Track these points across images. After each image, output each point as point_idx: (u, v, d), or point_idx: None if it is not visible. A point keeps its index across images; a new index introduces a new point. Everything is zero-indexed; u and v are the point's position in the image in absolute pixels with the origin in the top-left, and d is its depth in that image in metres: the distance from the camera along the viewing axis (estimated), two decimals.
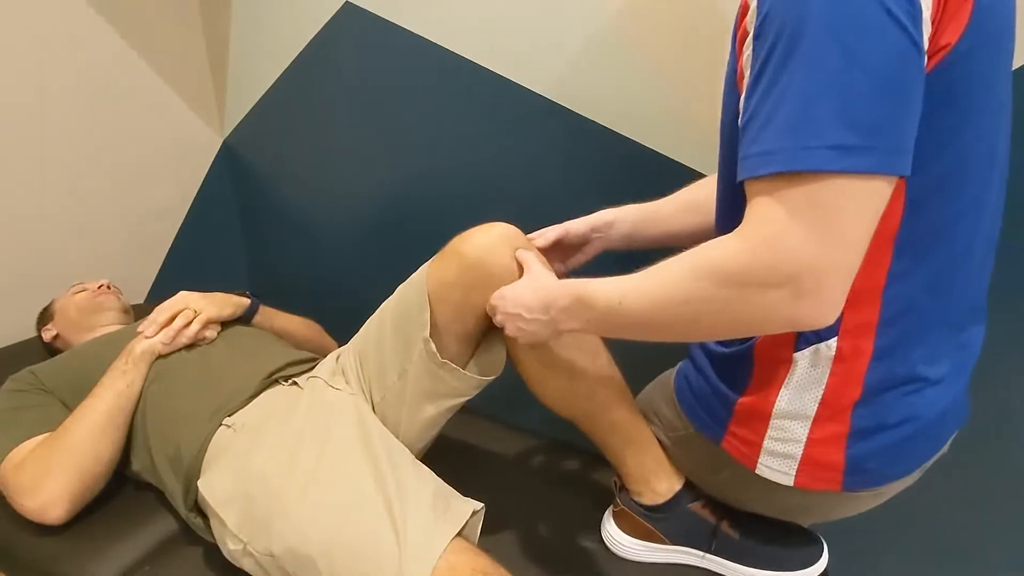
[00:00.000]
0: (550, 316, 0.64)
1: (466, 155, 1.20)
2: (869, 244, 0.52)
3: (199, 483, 0.80)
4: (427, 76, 1.17)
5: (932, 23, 0.46)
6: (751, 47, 0.50)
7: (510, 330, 0.69)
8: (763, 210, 0.48)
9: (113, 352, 0.94)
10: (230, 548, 0.74)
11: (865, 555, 1.00)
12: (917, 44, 0.45)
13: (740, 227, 0.50)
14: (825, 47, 0.44)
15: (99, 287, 1.17)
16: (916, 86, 0.46)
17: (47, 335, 1.15)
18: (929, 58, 0.47)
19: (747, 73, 0.50)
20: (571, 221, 0.84)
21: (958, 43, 0.47)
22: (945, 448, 0.68)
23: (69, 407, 0.91)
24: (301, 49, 1.32)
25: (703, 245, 0.53)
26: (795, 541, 0.77)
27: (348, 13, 1.21)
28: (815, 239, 0.46)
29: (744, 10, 0.52)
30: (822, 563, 0.77)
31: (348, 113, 1.32)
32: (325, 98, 1.35)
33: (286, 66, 1.36)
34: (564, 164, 1.09)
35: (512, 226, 0.75)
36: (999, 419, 0.86)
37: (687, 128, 0.95)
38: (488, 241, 0.72)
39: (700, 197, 0.81)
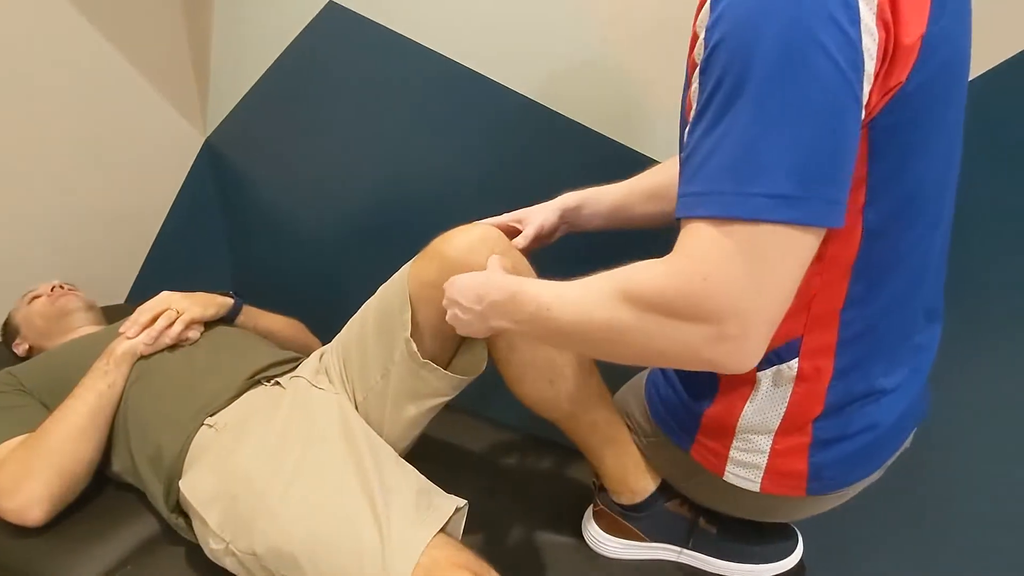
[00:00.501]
0: (482, 308, 0.63)
1: (448, 154, 1.20)
2: (828, 271, 0.54)
3: (180, 483, 0.80)
4: (410, 76, 1.18)
5: (875, 77, 0.46)
6: (698, 80, 0.49)
7: (448, 316, 0.68)
8: (695, 246, 0.47)
9: (94, 353, 0.93)
10: (212, 548, 0.75)
11: (838, 545, 1.02)
12: (857, 98, 0.45)
13: (671, 256, 0.49)
14: (769, 93, 0.43)
15: (52, 290, 1.15)
16: (853, 139, 0.46)
17: (20, 349, 1.13)
18: (880, 98, 0.47)
19: (694, 105, 0.49)
20: (537, 212, 0.84)
21: (907, 81, 0.47)
22: (907, 443, 0.70)
23: (49, 408, 0.90)
24: (285, 48, 1.31)
25: (633, 266, 0.52)
26: (770, 535, 0.79)
27: (332, 12, 1.21)
28: (744, 284, 0.45)
29: (694, 40, 0.51)
30: (797, 555, 0.79)
31: (331, 112, 1.32)
32: (308, 97, 1.34)
33: (269, 64, 1.36)
34: (546, 163, 1.10)
35: (492, 227, 0.76)
36: (961, 414, 0.89)
37: (668, 128, 0.96)
38: (469, 242, 0.73)
39: (662, 184, 0.82)
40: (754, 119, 0.44)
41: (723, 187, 0.46)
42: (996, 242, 0.81)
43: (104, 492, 0.91)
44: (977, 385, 0.88)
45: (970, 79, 0.72)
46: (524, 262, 0.76)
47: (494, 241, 0.73)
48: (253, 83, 1.40)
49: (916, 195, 0.54)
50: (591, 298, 0.54)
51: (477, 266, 0.71)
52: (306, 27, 1.26)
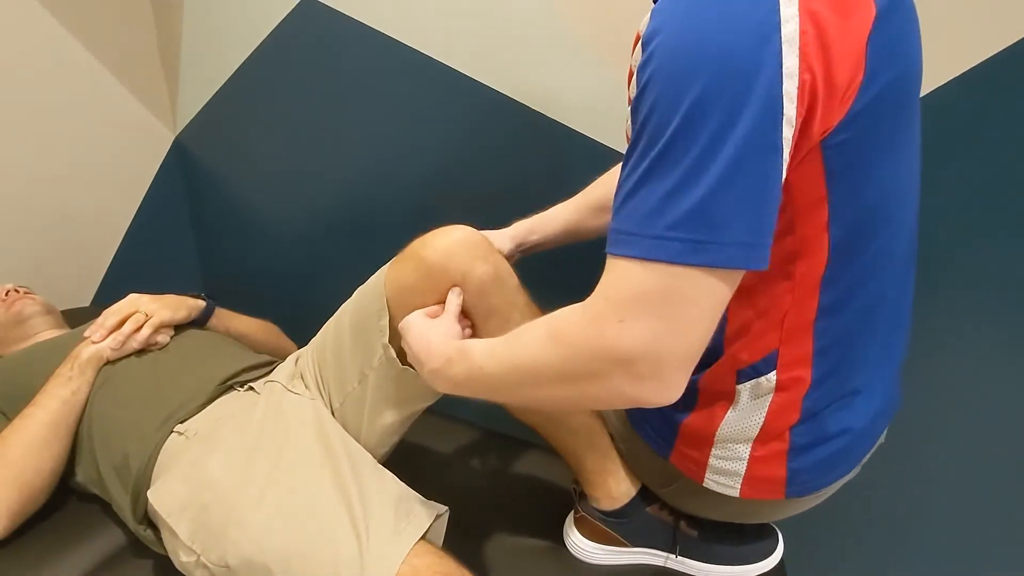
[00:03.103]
0: (424, 372, 0.65)
1: (425, 152, 1.19)
2: (799, 288, 0.54)
3: (149, 493, 0.77)
4: (385, 72, 1.16)
5: (797, 119, 0.45)
6: (630, 116, 0.49)
7: (408, 357, 0.70)
8: (612, 287, 0.48)
9: (56, 358, 0.89)
10: (182, 560, 0.72)
11: (815, 543, 1.04)
12: (775, 144, 0.45)
13: (589, 298, 0.50)
14: (690, 138, 0.44)
15: (7, 294, 1.10)
16: (772, 184, 0.46)
17: None
18: (826, 122, 0.47)
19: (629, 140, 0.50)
20: (493, 238, 0.84)
21: (853, 103, 0.47)
22: (882, 438, 0.71)
23: (8, 416, 0.87)
24: (258, 44, 1.28)
25: (556, 312, 0.53)
26: (752, 535, 0.80)
27: (307, 7, 1.19)
28: (658, 327, 0.46)
29: (630, 76, 0.52)
30: (779, 553, 0.80)
31: (305, 110, 1.30)
32: (282, 94, 1.32)
33: (242, 61, 1.32)
34: (523, 161, 1.09)
35: (473, 229, 0.74)
36: (934, 411, 0.91)
37: None
38: (448, 245, 0.71)
39: (610, 196, 0.83)
40: (674, 163, 0.45)
41: (641, 229, 0.46)
42: (961, 236, 0.82)
43: (67, 504, 0.88)
44: (950, 382, 0.90)
45: (940, 84, 0.75)
46: (505, 265, 0.74)
47: (475, 244, 0.72)
48: (225, 79, 1.37)
49: (879, 206, 0.55)
50: (518, 348, 0.56)
51: (456, 270, 0.70)
52: (280, 22, 1.23)
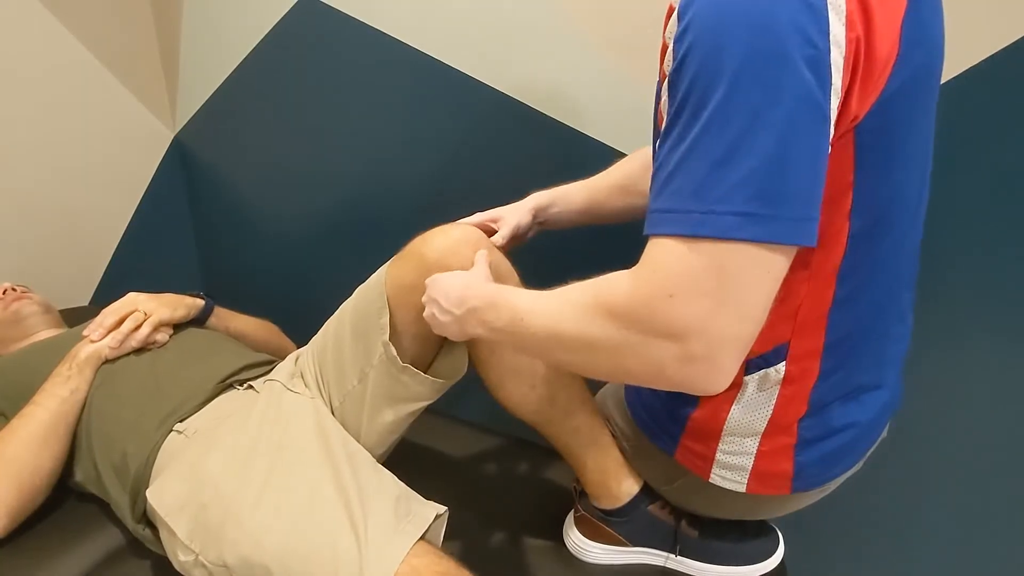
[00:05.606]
0: (460, 313, 0.62)
1: (424, 151, 1.19)
2: (814, 277, 0.53)
3: (147, 492, 0.77)
4: (385, 72, 1.16)
5: (843, 90, 0.44)
6: (667, 92, 0.48)
7: (426, 314, 0.67)
8: (661, 261, 0.46)
9: (55, 358, 0.89)
10: (181, 559, 0.72)
11: (815, 543, 1.03)
12: (824, 114, 0.44)
13: (637, 269, 0.48)
14: (735, 108, 0.42)
15: (4, 293, 1.09)
16: (821, 155, 0.44)
17: None
18: (862, 104, 0.46)
19: (665, 117, 0.48)
20: (512, 212, 0.84)
21: (887, 84, 0.47)
22: (884, 432, 0.71)
23: (7, 417, 0.86)
24: (257, 42, 1.28)
25: (603, 277, 0.51)
26: (752, 535, 0.80)
27: (305, 5, 1.19)
28: (710, 303, 0.44)
29: (663, 51, 0.50)
30: (779, 553, 0.80)
31: (305, 108, 1.30)
32: (281, 93, 1.32)
33: (241, 59, 1.32)
34: (523, 159, 1.09)
35: (472, 227, 0.75)
36: (938, 406, 0.91)
37: (641, 123, 0.96)
38: (448, 243, 0.71)
39: (630, 177, 0.82)
40: (720, 135, 0.43)
41: (689, 205, 0.44)
42: (965, 234, 0.82)
43: (65, 504, 0.87)
44: (953, 381, 0.89)
45: (944, 81, 0.74)
46: (505, 262, 0.74)
47: (475, 242, 0.72)
48: (224, 78, 1.37)
49: (899, 197, 0.55)
50: (562, 309, 0.53)
51: (457, 268, 0.70)
52: (280, 20, 1.23)
